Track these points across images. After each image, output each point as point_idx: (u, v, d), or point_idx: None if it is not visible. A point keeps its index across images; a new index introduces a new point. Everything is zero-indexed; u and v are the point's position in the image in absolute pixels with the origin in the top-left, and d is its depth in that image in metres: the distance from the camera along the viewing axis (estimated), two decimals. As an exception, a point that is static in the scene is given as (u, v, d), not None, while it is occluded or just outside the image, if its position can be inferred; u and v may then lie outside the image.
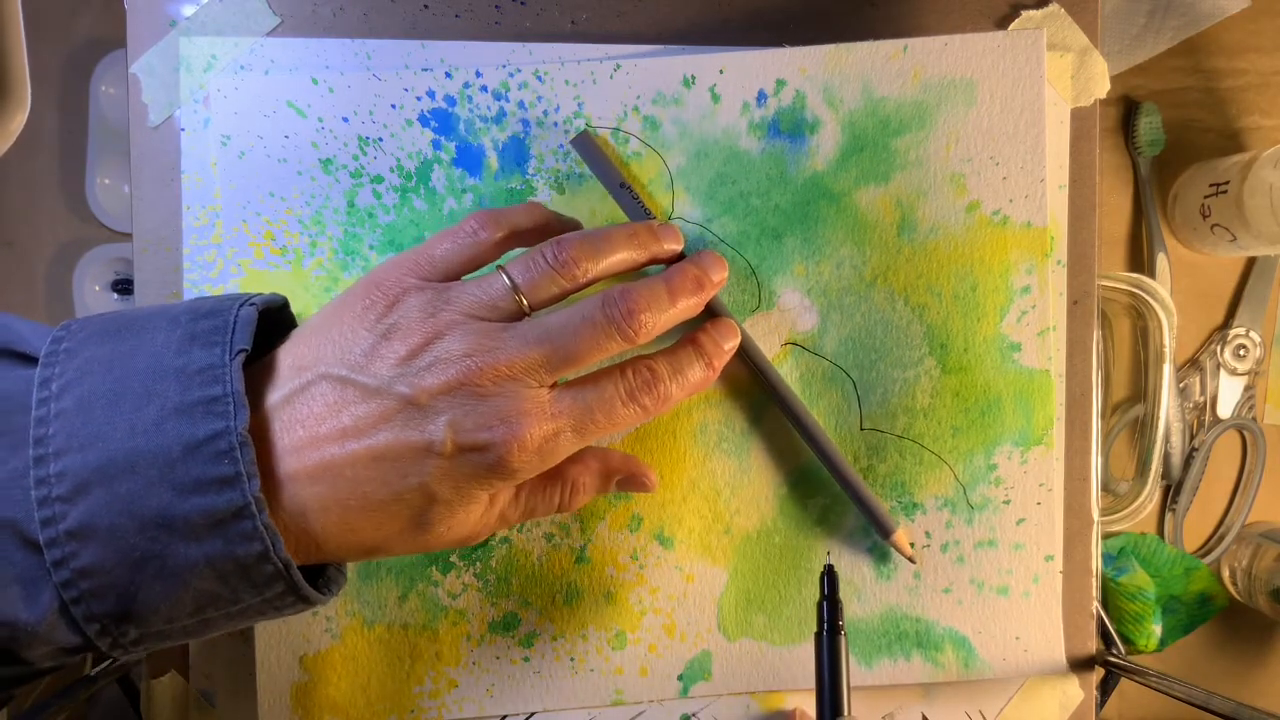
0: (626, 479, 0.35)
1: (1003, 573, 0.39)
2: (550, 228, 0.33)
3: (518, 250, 0.32)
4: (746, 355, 0.37)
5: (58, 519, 0.24)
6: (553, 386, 0.29)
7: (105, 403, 0.25)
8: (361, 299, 0.29)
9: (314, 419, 0.27)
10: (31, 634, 0.24)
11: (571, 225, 0.34)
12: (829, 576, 0.35)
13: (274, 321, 0.31)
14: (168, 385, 0.25)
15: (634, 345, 0.30)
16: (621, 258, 0.31)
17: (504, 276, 0.29)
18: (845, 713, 0.33)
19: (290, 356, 0.28)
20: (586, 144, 0.37)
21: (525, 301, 0.29)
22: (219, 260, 0.37)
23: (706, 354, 0.33)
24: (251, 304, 0.29)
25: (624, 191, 0.36)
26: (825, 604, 0.34)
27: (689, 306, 0.32)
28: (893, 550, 0.38)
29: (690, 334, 0.34)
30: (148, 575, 0.25)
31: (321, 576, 0.30)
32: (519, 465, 0.28)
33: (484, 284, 0.29)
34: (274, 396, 0.28)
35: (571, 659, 0.38)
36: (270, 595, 0.26)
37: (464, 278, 0.31)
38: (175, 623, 0.26)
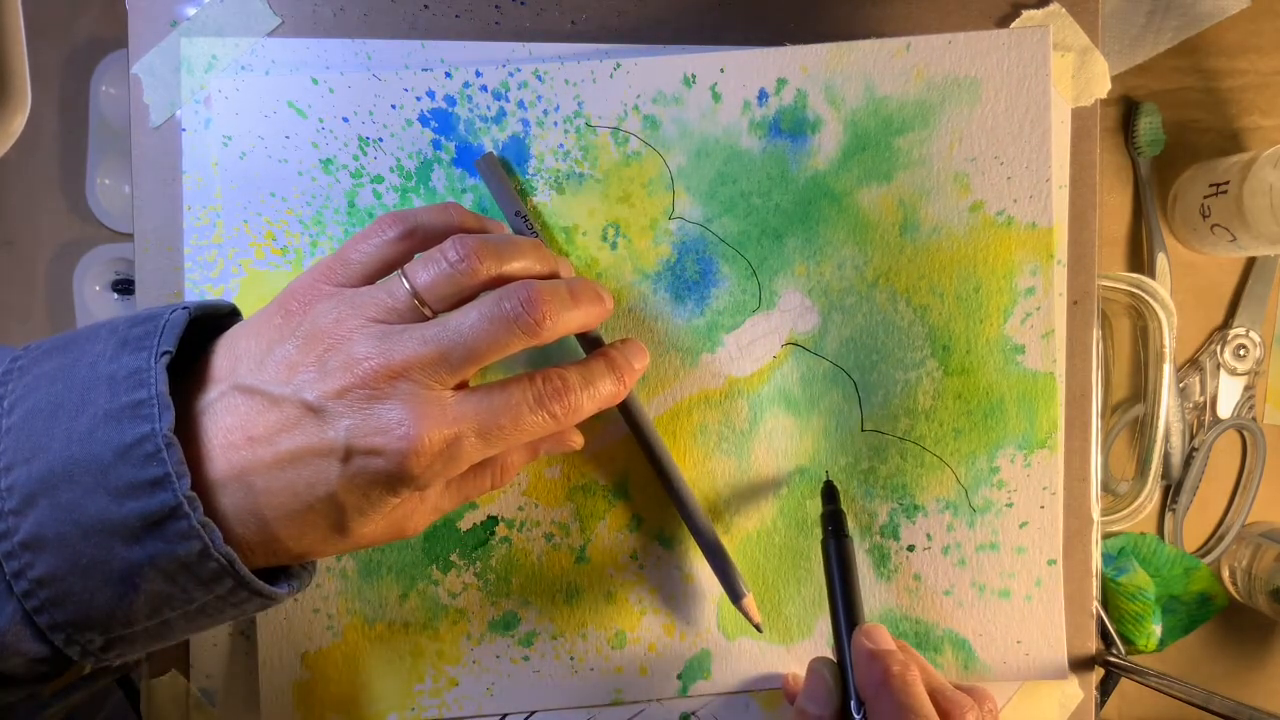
0: (553, 442, 0.34)
1: (1005, 576, 0.39)
2: (466, 228, 0.32)
3: None
4: (626, 410, 0.36)
5: (12, 532, 0.25)
6: (459, 389, 0.29)
7: (45, 415, 0.26)
8: (279, 309, 0.29)
9: (227, 429, 0.27)
10: (0, 644, 0.25)
11: (493, 228, 0.34)
12: (828, 490, 0.36)
13: (225, 327, 0.31)
14: (99, 393, 0.26)
15: (536, 340, 0.29)
16: (525, 264, 0.30)
17: (402, 278, 0.29)
18: (863, 620, 0.33)
19: (213, 366, 0.29)
20: (488, 167, 0.36)
21: (424, 300, 0.29)
22: (220, 260, 0.37)
23: (618, 368, 0.32)
24: (185, 308, 0.29)
25: (519, 220, 0.36)
26: (829, 513, 0.35)
27: (591, 314, 0.31)
28: (891, 551, 0.39)
29: (602, 349, 0.33)
30: (97, 580, 0.25)
31: (285, 572, 0.30)
32: (419, 471, 0.27)
33: (386, 287, 0.29)
34: (198, 405, 0.28)
35: (571, 658, 0.38)
36: (222, 591, 0.26)
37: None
38: (136, 625, 0.26)
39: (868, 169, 0.38)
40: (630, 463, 0.38)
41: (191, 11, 0.37)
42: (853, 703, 0.31)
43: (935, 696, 0.30)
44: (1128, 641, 0.45)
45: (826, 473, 0.38)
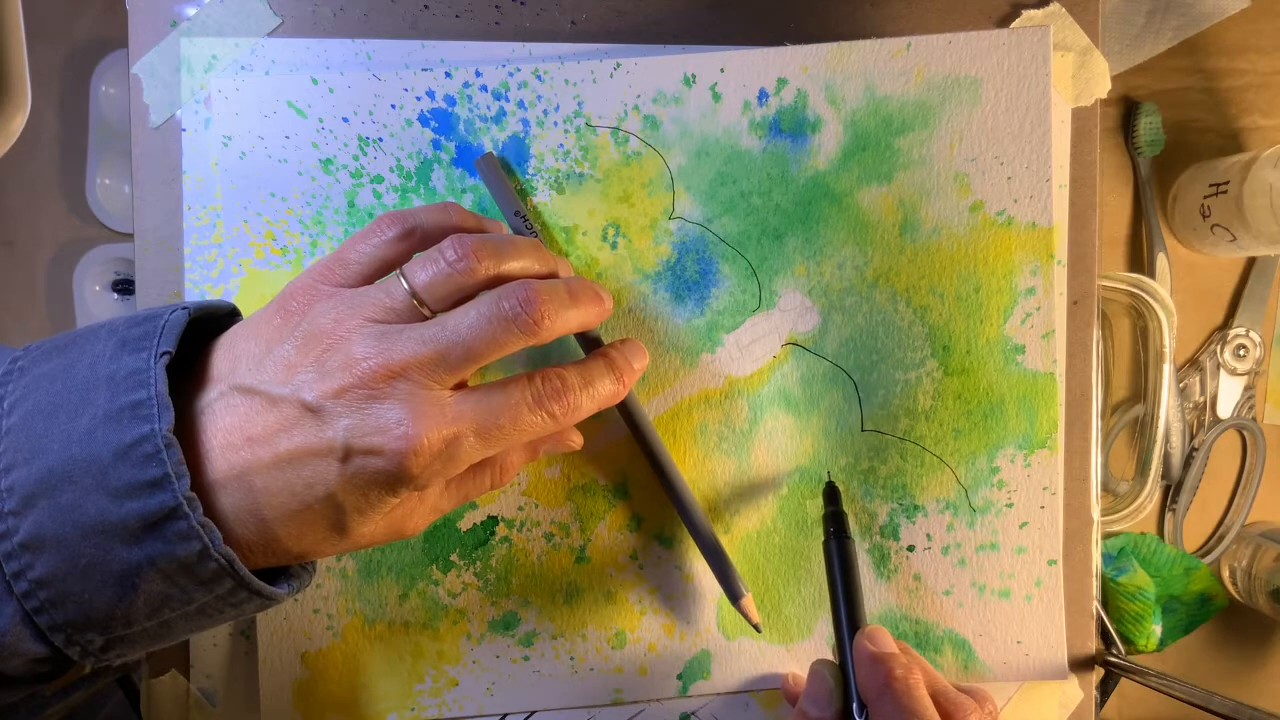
0: (552, 443, 0.34)
1: (1005, 576, 0.39)
2: (464, 228, 0.32)
3: None
4: (626, 411, 0.36)
5: (11, 532, 0.25)
6: (458, 389, 0.29)
7: (44, 415, 0.26)
8: (278, 310, 0.29)
9: (226, 429, 0.27)
10: (1, 645, 0.25)
11: (492, 228, 0.34)
12: (830, 491, 0.36)
13: (224, 327, 0.31)
14: (99, 393, 0.26)
15: (535, 339, 0.29)
16: (524, 264, 0.30)
17: (401, 279, 0.29)
18: (865, 622, 0.33)
19: (212, 366, 0.29)
20: (488, 167, 0.36)
21: (423, 300, 0.29)
22: (220, 260, 0.37)
23: (618, 368, 0.32)
24: (184, 308, 0.29)
25: (518, 220, 0.36)
26: (830, 515, 0.35)
27: (590, 314, 0.31)
28: (891, 551, 0.39)
29: (601, 349, 0.33)
30: (97, 581, 0.25)
31: (285, 572, 0.30)
32: (418, 471, 0.27)
33: (385, 287, 0.29)
34: (197, 405, 0.28)
35: (571, 658, 0.38)
36: (221, 592, 0.26)
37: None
38: (136, 626, 0.26)
39: (868, 169, 0.38)
40: (630, 463, 0.38)
41: (191, 11, 0.37)
42: (855, 705, 0.31)
43: (937, 699, 0.30)
44: (1128, 641, 0.45)
45: (828, 474, 0.38)
